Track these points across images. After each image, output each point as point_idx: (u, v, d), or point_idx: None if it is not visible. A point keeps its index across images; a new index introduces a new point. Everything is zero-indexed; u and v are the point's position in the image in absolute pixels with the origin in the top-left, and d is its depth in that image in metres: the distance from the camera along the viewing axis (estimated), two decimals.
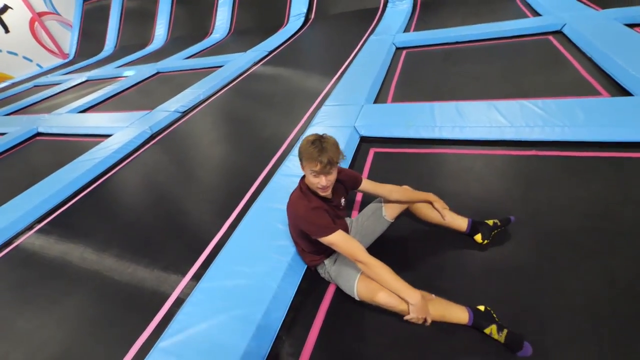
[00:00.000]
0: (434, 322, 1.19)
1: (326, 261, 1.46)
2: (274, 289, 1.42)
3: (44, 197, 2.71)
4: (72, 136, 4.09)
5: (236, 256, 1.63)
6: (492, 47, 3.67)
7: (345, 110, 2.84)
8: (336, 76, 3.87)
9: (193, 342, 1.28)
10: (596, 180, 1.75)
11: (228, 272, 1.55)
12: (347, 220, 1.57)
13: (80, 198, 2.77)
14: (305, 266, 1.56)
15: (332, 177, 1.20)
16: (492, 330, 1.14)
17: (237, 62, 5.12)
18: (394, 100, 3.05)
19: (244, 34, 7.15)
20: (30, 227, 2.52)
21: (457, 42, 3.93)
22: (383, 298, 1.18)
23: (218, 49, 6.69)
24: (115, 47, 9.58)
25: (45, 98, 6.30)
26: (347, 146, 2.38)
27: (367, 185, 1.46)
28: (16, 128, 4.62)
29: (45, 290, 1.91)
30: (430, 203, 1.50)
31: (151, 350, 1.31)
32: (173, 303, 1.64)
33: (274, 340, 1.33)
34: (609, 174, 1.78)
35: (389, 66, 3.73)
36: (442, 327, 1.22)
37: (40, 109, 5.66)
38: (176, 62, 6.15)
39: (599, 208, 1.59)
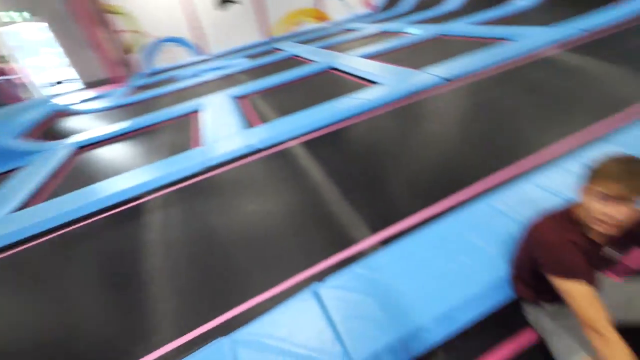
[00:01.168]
0: None
1: (543, 304, 1.18)
2: (467, 295, 1.30)
3: (317, 117, 3.59)
4: (353, 76, 5.06)
5: (438, 241, 1.58)
6: None
7: None
8: None
9: (384, 283, 1.41)
10: None
11: (445, 239, 1.55)
12: (607, 280, 1.20)
13: (343, 128, 3.44)
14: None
15: (625, 212, 0.90)
16: None
17: (532, 39, 4.22)
18: None
19: (562, 3, 5.63)
20: (300, 137, 3.41)
21: None
22: None
23: (517, 18, 5.74)
24: (418, 2, 10.41)
25: (348, 41, 8.06)
26: None
27: None
28: (321, 59, 6.30)
29: (287, 185, 2.63)
30: None
31: (348, 267, 1.53)
32: (382, 240, 1.86)
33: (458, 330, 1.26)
34: None
35: None
36: None
37: (341, 48, 7.34)
38: (460, 26, 5.92)
39: None
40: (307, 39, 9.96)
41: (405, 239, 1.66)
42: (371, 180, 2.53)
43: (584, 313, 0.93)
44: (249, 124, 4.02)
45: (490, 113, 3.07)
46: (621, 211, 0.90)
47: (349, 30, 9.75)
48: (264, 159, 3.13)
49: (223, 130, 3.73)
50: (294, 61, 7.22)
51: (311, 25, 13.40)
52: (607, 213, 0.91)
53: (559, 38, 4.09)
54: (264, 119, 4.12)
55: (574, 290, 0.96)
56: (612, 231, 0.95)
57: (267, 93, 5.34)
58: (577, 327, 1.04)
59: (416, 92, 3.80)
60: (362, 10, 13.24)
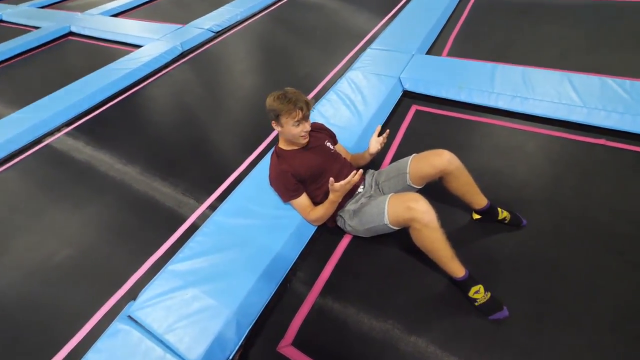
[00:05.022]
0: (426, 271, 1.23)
1: (342, 214, 1.38)
2: (287, 235, 1.36)
3: (74, 99, 2.64)
4: (104, 41, 3.87)
5: (253, 194, 1.55)
6: (584, 5, 2.98)
7: (392, 58, 2.47)
8: (388, 16, 3.34)
9: (201, 270, 1.27)
10: None
11: (242, 209, 1.49)
12: (369, 172, 1.48)
13: (110, 107, 2.69)
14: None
15: (309, 121, 1.29)
16: (479, 288, 1.14)
17: None
18: (451, 54, 2.61)
19: None
20: (59, 129, 2.49)
21: None
22: (422, 204, 1.11)
23: None
24: None
25: None
26: (387, 99, 2.10)
27: (339, 146, 1.53)
28: (49, 24, 4.39)
29: (71, 192, 1.94)
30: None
31: (160, 271, 1.31)
32: (188, 228, 1.63)
33: (279, 284, 1.30)
34: None
35: (452, 13, 3.15)
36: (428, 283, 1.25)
37: (74, 6, 5.32)
38: None
39: None
40: None
41: (221, 207, 1.54)
42: (180, 148, 2.16)
43: (313, 214, 1.33)
44: None
45: (271, 56, 3.14)
46: (308, 125, 1.27)
47: None
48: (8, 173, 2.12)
49: None
50: (2, 30, 4.72)
51: None
52: (305, 129, 1.26)
53: None
54: None
55: (298, 204, 1.35)
56: (307, 138, 1.32)
57: None
58: (371, 202, 1.30)
59: (189, 49, 3.34)
60: None
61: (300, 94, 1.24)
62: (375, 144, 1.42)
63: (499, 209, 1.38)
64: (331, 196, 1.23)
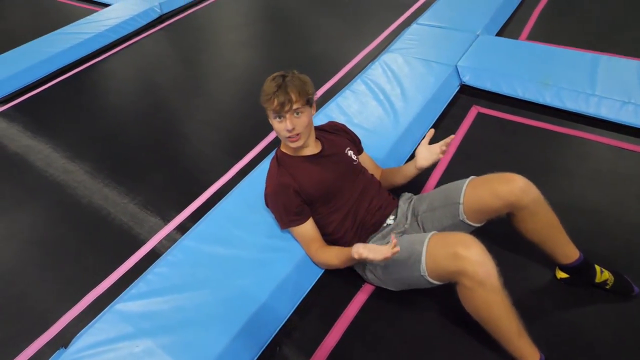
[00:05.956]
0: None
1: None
2: (281, 277, 1.36)
3: (13, 71, 2.81)
4: None
5: (240, 214, 1.59)
6: None
7: (448, 38, 2.53)
8: None
9: (159, 314, 1.28)
10: None
11: (223, 233, 1.52)
12: (404, 196, 1.51)
13: (58, 83, 2.86)
14: None
15: (302, 120, 1.25)
16: None
17: None
18: (533, 37, 2.64)
19: None
20: None
21: None
22: (477, 251, 1.05)
23: None
24: None
25: None
26: (437, 95, 2.13)
27: (364, 156, 1.57)
28: None
29: None
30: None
31: (104, 310, 1.34)
32: (147, 254, 1.66)
33: (264, 348, 1.28)
34: None
35: None
36: None
37: None
38: None
39: None
40: None
41: (194, 228, 1.58)
42: (145, 144, 2.25)
43: (322, 255, 1.34)
44: None
45: (280, 28, 3.30)
46: (296, 122, 1.22)
47: None
48: None
49: None
50: None
51: None
52: (286, 128, 1.22)
53: None
54: None
55: (300, 233, 1.36)
56: (301, 143, 1.29)
57: None
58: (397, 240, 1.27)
59: (169, 13, 3.54)
60: None
61: (301, 80, 1.24)
62: (426, 153, 1.35)
63: (598, 267, 1.34)
64: (352, 252, 1.16)
